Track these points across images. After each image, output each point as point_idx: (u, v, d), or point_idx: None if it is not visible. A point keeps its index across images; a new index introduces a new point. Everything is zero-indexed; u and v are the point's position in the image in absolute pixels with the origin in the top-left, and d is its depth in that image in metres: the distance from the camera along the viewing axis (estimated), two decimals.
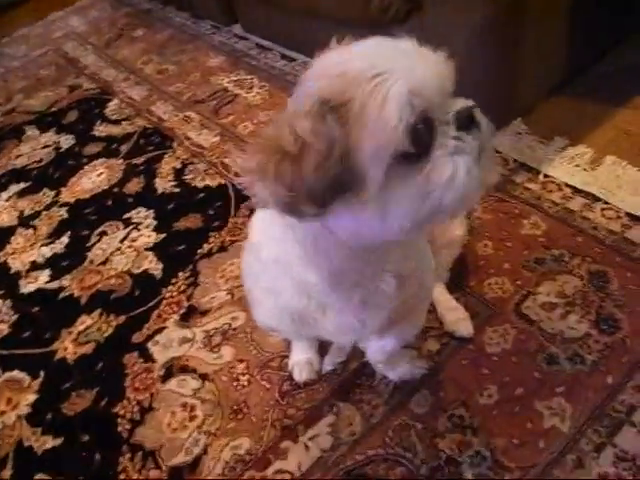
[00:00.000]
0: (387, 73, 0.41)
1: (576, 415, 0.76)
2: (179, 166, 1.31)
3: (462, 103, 0.47)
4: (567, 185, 1.04)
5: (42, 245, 1.22)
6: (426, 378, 0.83)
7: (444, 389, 0.82)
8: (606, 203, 0.99)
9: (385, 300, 0.59)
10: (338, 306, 0.58)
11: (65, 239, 1.22)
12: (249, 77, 1.54)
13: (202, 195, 1.22)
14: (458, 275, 0.91)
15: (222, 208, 1.17)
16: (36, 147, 1.54)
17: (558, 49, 1.17)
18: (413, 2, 1.05)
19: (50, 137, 1.56)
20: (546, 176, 1.06)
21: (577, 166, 1.07)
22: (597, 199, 1.00)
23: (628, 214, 0.97)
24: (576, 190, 1.03)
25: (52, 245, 1.21)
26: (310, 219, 0.44)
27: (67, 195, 1.34)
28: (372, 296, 0.58)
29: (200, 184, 1.24)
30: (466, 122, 0.46)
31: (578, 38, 1.17)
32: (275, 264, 0.57)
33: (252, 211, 1.12)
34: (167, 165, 1.32)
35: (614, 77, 1.25)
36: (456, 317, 0.86)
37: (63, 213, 1.29)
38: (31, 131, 1.61)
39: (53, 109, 1.67)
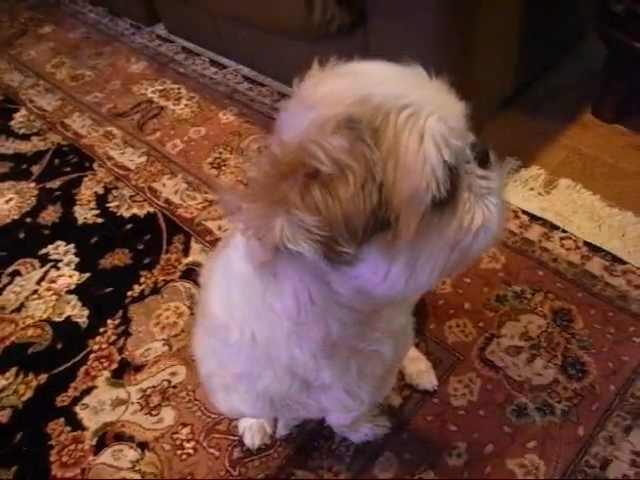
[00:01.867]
0: (418, 105, 0.35)
1: (549, 473, 0.71)
2: (101, 191, 1.18)
3: (472, 136, 0.41)
4: (523, 212, 0.99)
5: None
6: (390, 438, 0.77)
7: (409, 450, 0.76)
8: (564, 231, 0.96)
9: (381, 366, 0.52)
10: (329, 382, 0.50)
11: None
12: (176, 86, 1.41)
13: (129, 226, 1.09)
14: (417, 318, 0.85)
15: (152, 241, 1.05)
16: None
17: (505, 65, 1.12)
18: (357, 15, 0.96)
19: None
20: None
21: (531, 190, 1.03)
22: (555, 227, 0.97)
23: (586, 243, 0.94)
24: (533, 217, 0.98)
25: None
26: (346, 265, 0.35)
27: None
28: (369, 363, 0.50)
29: (126, 213, 1.12)
30: (485, 158, 0.41)
31: (524, 54, 1.12)
32: (251, 347, 0.47)
33: (187, 246, 1.03)
34: (87, 190, 1.19)
35: (561, 93, 1.22)
36: (418, 369, 0.80)
37: None
38: None
39: None
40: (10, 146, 1.35)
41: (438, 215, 0.36)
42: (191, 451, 0.79)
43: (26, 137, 1.37)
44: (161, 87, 1.43)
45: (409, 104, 0.34)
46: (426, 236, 0.36)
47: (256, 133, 1.23)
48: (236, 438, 0.79)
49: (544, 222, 0.98)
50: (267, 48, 1.27)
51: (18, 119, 1.43)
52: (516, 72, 1.15)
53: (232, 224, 0.42)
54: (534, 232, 0.96)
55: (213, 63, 1.47)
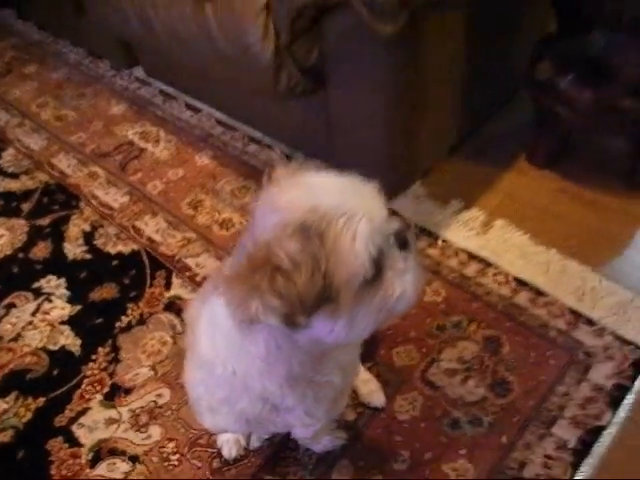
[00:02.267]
0: (352, 211, 0.49)
1: (476, 475, 0.86)
2: (88, 229, 1.30)
3: (396, 224, 0.55)
4: (463, 250, 1.15)
5: None
6: (346, 447, 0.91)
7: (363, 457, 0.90)
8: (497, 268, 1.12)
9: (333, 391, 0.66)
10: (292, 405, 0.64)
11: None
12: (155, 129, 1.55)
13: (116, 262, 1.22)
14: (369, 345, 1.00)
15: (137, 276, 1.18)
16: None
17: (450, 115, 1.28)
18: (318, 81, 1.11)
19: None
20: (444, 241, 1.17)
21: (471, 230, 1.19)
22: (489, 264, 1.12)
23: (515, 278, 1.10)
24: (471, 255, 1.14)
25: None
26: (300, 328, 0.49)
27: None
28: (323, 390, 0.65)
29: (112, 250, 1.24)
30: (404, 242, 0.55)
31: (467, 103, 1.29)
32: (231, 378, 0.62)
33: (168, 281, 1.15)
34: (75, 227, 1.31)
35: (499, 141, 1.39)
36: (369, 389, 0.94)
37: None
38: None
39: None
40: (1, 184, 1.46)
41: (368, 289, 0.50)
42: (176, 462, 0.92)
43: (15, 176, 1.48)
44: (141, 129, 1.55)
45: (346, 211, 0.48)
46: (360, 303, 0.50)
47: (229, 176, 1.37)
48: (215, 450, 0.93)
49: (480, 259, 1.13)
50: (237, 97, 1.42)
51: (6, 158, 1.54)
52: (459, 125, 1.32)
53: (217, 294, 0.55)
54: (471, 268, 1.12)
55: (188, 106, 1.60)
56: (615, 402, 0.92)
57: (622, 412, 0.91)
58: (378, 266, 0.50)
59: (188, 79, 1.54)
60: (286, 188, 0.53)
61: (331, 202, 0.49)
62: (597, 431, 0.89)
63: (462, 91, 1.23)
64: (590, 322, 1.03)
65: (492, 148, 1.38)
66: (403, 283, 0.53)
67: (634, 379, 0.95)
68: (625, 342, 0.99)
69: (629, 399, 0.93)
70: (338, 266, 0.48)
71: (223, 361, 0.61)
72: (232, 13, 1.06)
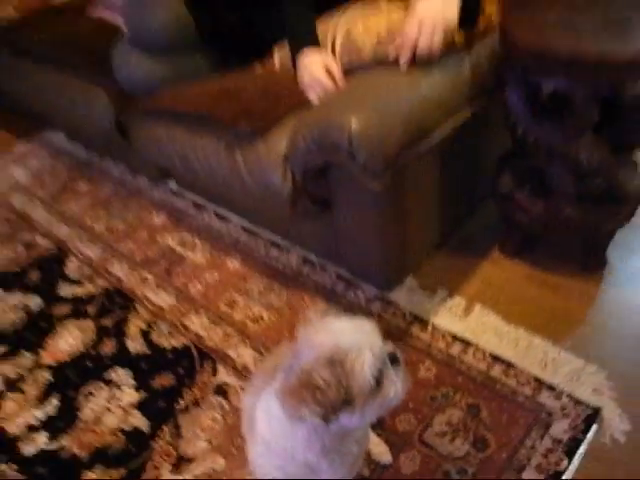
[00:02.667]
0: (360, 347, 0.79)
1: None
2: (145, 327, 1.60)
3: (389, 348, 0.85)
4: (448, 333, 1.44)
5: (34, 408, 1.46)
6: None
7: None
8: (476, 346, 1.40)
9: (352, 457, 0.95)
10: (325, 469, 0.92)
11: (55, 401, 1.46)
12: (191, 237, 1.87)
13: (170, 355, 1.51)
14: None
15: (189, 366, 1.47)
16: (5, 308, 1.76)
17: (434, 215, 1.59)
18: (326, 207, 1.43)
19: (17, 298, 1.78)
20: (433, 326, 1.46)
21: (454, 315, 1.48)
22: (469, 343, 1.41)
23: (491, 354, 1.38)
24: (455, 337, 1.43)
25: (44, 408, 1.46)
26: (331, 423, 0.79)
27: (47, 357, 1.57)
28: (346, 457, 0.93)
29: (167, 344, 1.54)
30: (394, 359, 0.84)
31: (446, 212, 1.60)
32: (283, 452, 0.90)
33: (215, 369, 1.44)
34: (134, 326, 1.61)
35: (476, 235, 1.70)
36: (379, 450, 1.22)
37: (47, 376, 1.53)
38: None
39: (15, 269, 1.90)
40: (68, 290, 1.77)
41: (373, 395, 0.79)
42: None
43: (79, 282, 1.79)
44: (179, 237, 1.87)
45: (357, 347, 0.78)
46: (368, 404, 0.79)
47: (256, 277, 1.68)
48: None
49: (463, 340, 1.42)
50: (260, 212, 1.75)
51: (70, 267, 1.86)
52: (441, 227, 1.63)
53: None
54: (455, 348, 1.40)
55: (218, 215, 1.92)
56: (571, 452, 1.19)
57: (576, 460, 1.19)
58: (378, 380, 0.80)
59: (216, 194, 1.87)
60: (318, 332, 0.83)
61: (347, 341, 0.79)
62: (557, 476, 1.16)
63: (440, 204, 1.54)
64: (550, 387, 1.30)
65: (470, 243, 1.69)
66: (395, 389, 0.82)
67: (586, 432, 1.22)
68: (578, 402, 1.26)
69: (582, 449, 1.20)
70: (354, 383, 0.77)
71: (277, 439, 0.90)
72: (258, 160, 1.39)
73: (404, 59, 1.24)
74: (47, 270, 1.87)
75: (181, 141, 1.58)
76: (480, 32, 1.39)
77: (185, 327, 1.58)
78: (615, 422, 1.23)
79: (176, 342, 1.54)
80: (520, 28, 1.22)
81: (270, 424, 0.92)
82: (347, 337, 0.80)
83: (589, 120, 1.23)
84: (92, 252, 1.89)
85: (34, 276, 1.85)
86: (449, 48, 1.28)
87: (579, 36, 1.17)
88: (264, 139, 1.37)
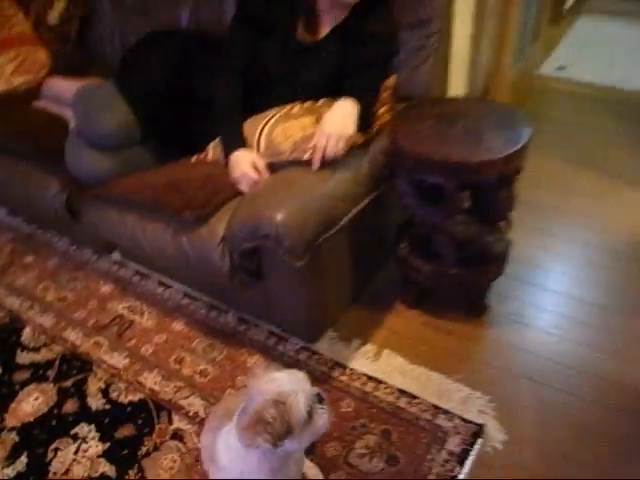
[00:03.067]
0: (296, 391, 1.09)
1: None
2: (103, 386, 1.82)
3: (316, 391, 1.15)
4: (363, 374, 1.77)
5: (4, 467, 1.65)
6: None
7: None
8: (385, 384, 1.74)
9: (295, 474, 1.24)
10: None
11: (24, 459, 1.65)
12: (138, 303, 2.11)
13: (129, 408, 1.74)
14: (310, 446, 1.57)
15: (147, 417, 1.71)
16: None
17: (347, 278, 1.93)
18: (257, 277, 1.74)
19: None
20: (351, 369, 1.79)
21: (367, 359, 1.81)
22: (380, 381, 1.74)
23: (398, 389, 1.71)
24: (368, 377, 1.76)
25: (13, 466, 1.64)
26: (278, 447, 1.08)
27: (12, 420, 1.76)
28: (290, 474, 1.23)
29: (125, 399, 1.77)
30: (320, 399, 1.15)
31: (356, 273, 1.95)
32: (240, 474, 1.19)
33: (170, 418, 1.69)
34: (93, 386, 1.83)
35: (383, 290, 2.06)
36: (312, 472, 1.50)
37: (14, 437, 1.72)
38: None
39: None
40: (26, 357, 1.96)
41: (306, 425, 1.10)
42: None
43: (36, 349, 1.99)
44: (127, 304, 2.11)
45: (294, 391, 1.09)
46: (304, 433, 1.10)
47: (199, 337, 1.95)
48: None
49: (375, 379, 1.75)
50: (199, 279, 2.02)
51: (26, 335, 2.04)
52: (353, 287, 1.97)
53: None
54: (369, 386, 1.73)
55: (160, 283, 2.19)
56: (462, 461, 1.53)
57: (467, 466, 1.53)
58: (310, 414, 1.10)
59: (160, 266, 2.14)
60: (263, 382, 1.13)
61: (285, 387, 1.10)
62: None
63: (351, 268, 1.89)
64: (445, 412, 1.64)
65: (377, 298, 2.04)
66: (323, 420, 1.13)
67: (473, 444, 1.57)
68: (467, 421, 1.61)
69: (470, 458, 1.54)
70: (293, 418, 1.08)
71: (234, 465, 1.19)
72: (201, 242, 1.68)
73: (316, 164, 1.59)
74: (3, 340, 2.05)
75: (132, 224, 1.85)
76: (374, 133, 1.77)
77: (140, 384, 1.82)
78: (495, 435, 1.59)
79: (133, 397, 1.78)
80: (404, 138, 1.61)
81: (229, 454, 1.20)
82: (285, 384, 1.11)
83: (459, 204, 1.62)
84: (45, 321, 2.09)
85: None
86: (350, 149, 1.65)
87: (446, 144, 1.57)
88: (206, 224, 1.67)
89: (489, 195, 1.69)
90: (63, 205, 2.05)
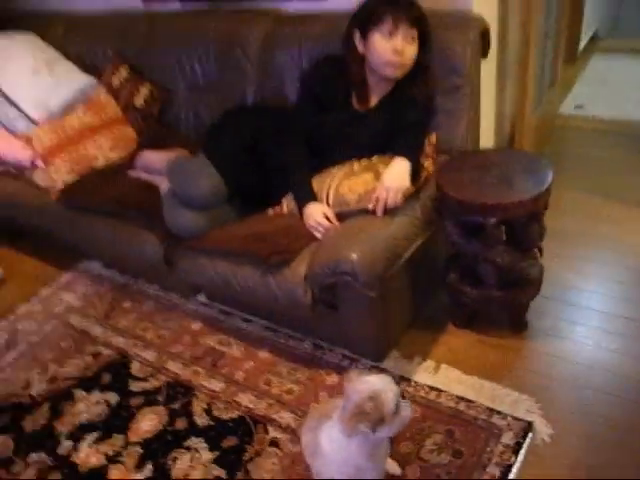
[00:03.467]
0: (386, 390, 1.43)
1: None
2: (206, 406, 2.17)
3: (399, 389, 1.49)
4: (426, 385, 2.09)
5: (134, 474, 2.00)
6: None
7: None
8: (446, 392, 2.05)
9: (382, 463, 1.58)
10: (370, 469, 1.54)
11: (150, 466, 2.01)
12: (226, 337, 2.47)
13: (230, 424, 2.09)
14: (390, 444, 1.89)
15: (246, 430, 2.04)
16: (89, 405, 2.30)
17: (406, 304, 2.27)
18: (333, 307, 2.09)
19: (97, 396, 2.32)
20: (415, 382, 2.11)
21: (428, 373, 2.14)
22: (441, 390, 2.06)
23: (457, 396, 2.03)
24: (431, 387, 2.08)
25: (142, 473, 2.00)
26: (376, 433, 1.41)
27: (134, 436, 2.12)
28: (379, 462, 1.56)
29: (226, 416, 2.12)
30: (403, 396, 1.49)
31: (414, 299, 2.29)
32: (342, 461, 1.52)
33: (266, 430, 2.03)
34: (197, 406, 2.18)
35: (437, 314, 2.39)
36: (392, 466, 1.80)
37: (138, 449, 2.08)
38: (79, 393, 2.36)
39: (88, 373, 2.45)
40: (138, 385, 2.33)
41: (394, 416, 1.43)
42: None
43: (145, 379, 2.35)
44: (217, 338, 2.47)
45: (384, 388, 1.43)
46: (393, 422, 1.43)
47: (282, 362, 2.30)
48: None
49: (436, 389, 2.07)
50: (282, 313, 2.38)
51: (135, 368, 2.42)
52: (412, 310, 2.31)
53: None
54: (432, 395, 2.04)
55: (244, 319, 2.56)
56: (516, 451, 1.83)
57: (520, 456, 1.83)
58: (397, 406, 1.44)
59: (245, 303, 2.50)
60: (359, 382, 1.47)
61: (378, 387, 1.43)
62: (509, 467, 1.79)
63: (410, 295, 2.23)
64: (499, 412, 1.95)
65: (433, 320, 2.36)
66: (406, 412, 1.47)
67: (525, 437, 1.87)
68: (517, 419, 1.91)
69: (523, 449, 1.84)
70: (385, 410, 1.41)
71: (336, 453, 1.52)
72: (286, 281, 2.04)
73: (379, 212, 1.96)
74: (116, 372, 2.42)
75: (223, 270, 2.22)
76: (422, 182, 2.13)
77: (237, 403, 2.17)
78: (543, 429, 1.89)
79: (232, 414, 2.13)
80: (447, 186, 1.97)
81: (331, 445, 1.54)
82: (377, 384, 1.45)
83: (498, 237, 1.96)
84: (149, 355, 2.47)
85: (106, 378, 2.40)
86: (406, 198, 2.01)
87: (483, 190, 1.92)
88: (289, 266, 2.04)
89: (522, 228, 2.03)
90: (161, 256, 2.44)
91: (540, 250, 2.15)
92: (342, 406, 1.50)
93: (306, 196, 2.13)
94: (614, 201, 2.96)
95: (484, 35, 2.20)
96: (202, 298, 2.71)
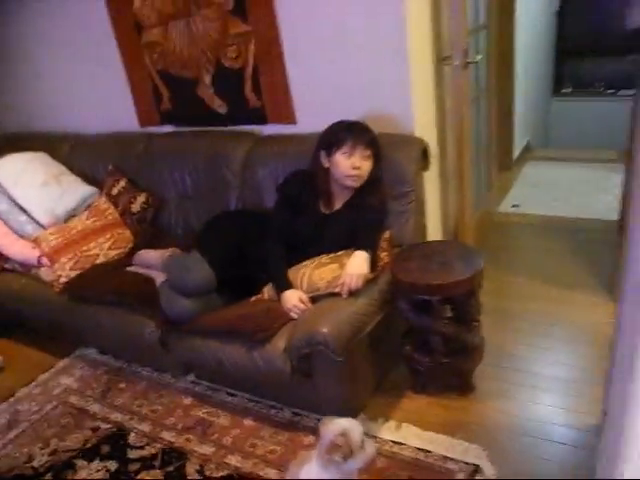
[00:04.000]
0: (354, 429, 1.83)
1: None
2: (199, 468, 2.48)
3: (364, 429, 1.88)
4: (389, 440, 2.46)
5: None
6: None
7: None
8: (405, 445, 2.42)
9: None
10: None
11: None
12: (214, 409, 2.81)
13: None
14: None
15: None
16: (91, 472, 2.58)
17: (370, 373, 2.66)
18: (308, 375, 2.48)
19: (98, 464, 2.61)
20: (380, 438, 2.47)
21: (391, 431, 2.50)
22: (402, 444, 2.43)
23: (416, 448, 2.39)
24: (393, 442, 2.44)
25: None
26: (347, 464, 1.79)
27: None
28: None
29: (217, 475, 2.43)
30: (366, 434, 1.87)
31: (378, 365, 2.69)
32: None
33: None
34: (191, 468, 2.46)
35: (397, 379, 2.78)
36: None
37: None
38: (80, 462, 2.63)
39: (88, 445, 2.73)
40: (135, 453, 2.60)
41: (361, 450, 1.81)
42: None
43: (142, 447, 2.63)
44: (206, 410, 2.80)
45: (353, 428, 1.82)
46: (361, 456, 1.82)
47: (265, 429, 2.65)
48: None
49: (398, 443, 2.43)
50: (263, 384, 2.75)
51: (132, 438, 2.70)
52: (376, 378, 2.71)
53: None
54: (395, 448, 2.39)
55: (229, 394, 2.90)
56: None
57: None
58: (363, 443, 1.82)
59: (231, 379, 2.87)
60: (331, 424, 1.85)
61: (347, 426, 1.82)
62: None
63: (374, 364, 2.64)
64: (452, 459, 2.31)
65: (394, 386, 2.76)
66: (370, 448, 1.85)
67: (474, 477, 2.24)
68: (467, 464, 2.28)
69: None
70: (354, 443, 1.79)
71: None
72: (268, 354, 2.44)
73: (344, 294, 2.42)
74: (114, 443, 2.71)
75: (214, 348, 2.61)
76: (380, 270, 2.61)
77: (226, 463, 2.49)
78: (489, 471, 2.26)
79: (223, 473, 2.44)
80: (399, 272, 2.44)
81: (309, 477, 1.89)
82: (346, 423, 1.83)
83: (443, 313, 2.42)
84: (144, 427, 2.77)
85: (106, 449, 2.69)
86: (366, 283, 2.47)
87: (428, 273, 2.40)
88: (270, 342, 2.45)
89: (462, 304, 2.49)
90: (157, 339, 2.82)
91: (479, 323, 2.61)
92: (318, 444, 1.87)
93: (284, 285, 2.58)
94: (546, 283, 3.47)
95: (424, 152, 2.77)
96: (191, 377, 3.06)
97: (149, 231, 3.48)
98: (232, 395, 2.90)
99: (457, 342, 2.55)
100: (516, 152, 5.23)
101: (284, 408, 2.74)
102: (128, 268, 3.21)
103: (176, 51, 3.41)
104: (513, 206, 4.55)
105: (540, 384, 2.70)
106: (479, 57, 3.47)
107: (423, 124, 2.92)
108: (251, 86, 3.23)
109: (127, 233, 3.45)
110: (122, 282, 3.04)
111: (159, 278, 2.93)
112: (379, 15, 2.67)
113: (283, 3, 2.92)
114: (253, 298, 2.73)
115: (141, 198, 3.47)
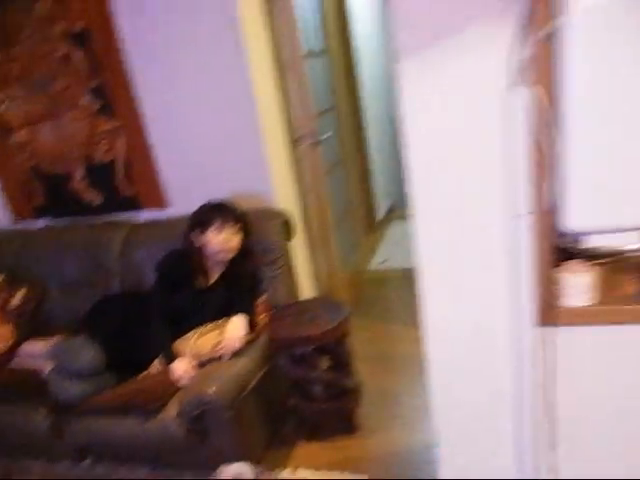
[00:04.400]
0: (246, 471, 2.01)
1: None
2: None
3: (254, 471, 2.09)
4: None
5: None
6: None
7: None
8: None
9: None
10: None
11: None
12: None
13: None
14: None
15: None
16: None
17: (261, 427, 2.87)
18: (203, 434, 2.64)
19: None
20: None
21: (288, 476, 2.71)
22: None
23: None
24: None
25: None
26: None
27: None
28: None
29: None
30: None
31: (269, 421, 2.89)
32: None
33: None
34: None
35: (289, 430, 3.00)
36: None
37: None
38: None
39: None
40: None
41: None
42: None
43: None
44: None
45: (243, 471, 2.02)
46: None
47: None
48: None
49: None
50: (161, 453, 2.86)
51: None
52: (268, 433, 2.91)
53: None
54: None
55: (130, 469, 2.98)
56: None
57: None
58: None
59: (126, 457, 2.94)
60: (226, 469, 2.05)
61: (239, 469, 2.03)
62: None
63: (263, 418, 2.85)
64: None
65: (286, 439, 2.97)
66: None
67: None
68: None
69: None
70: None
71: None
72: (163, 422, 2.59)
73: (226, 357, 2.65)
74: None
75: (109, 425, 2.71)
76: (259, 330, 2.86)
77: None
78: None
79: None
80: (276, 330, 2.72)
81: None
82: (237, 466, 2.03)
83: (319, 363, 2.71)
84: None
85: None
86: (246, 344, 2.72)
87: (300, 327, 2.69)
88: (163, 410, 2.61)
89: (334, 352, 2.80)
90: (49, 425, 2.87)
91: (354, 369, 2.92)
92: None
93: (171, 356, 2.77)
94: (413, 327, 3.87)
95: (287, 223, 3.12)
96: (88, 462, 3.08)
97: (31, 323, 3.52)
98: (133, 470, 2.97)
99: (336, 387, 2.84)
100: (381, 214, 5.76)
101: (185, 472, 2.86)
102: (15, 361, 3.23)
103: (46, 149, 3.59)
104: (381, 262, 5.01)
105: (416, 415, 3.03)
106: (326, 135, 3.94)
107: (285, 198, 3.30)
108: (123, 176, 3.47)
109: (6, 329, 3.46)
110: (8, 378, 3.07)
111: (47, 367, 2.99)
112: (234, 108, 3.05)
113: (147, 99, 3.23)
114: (143, 374, 2.87)
115: (20, 293, 3.52)
